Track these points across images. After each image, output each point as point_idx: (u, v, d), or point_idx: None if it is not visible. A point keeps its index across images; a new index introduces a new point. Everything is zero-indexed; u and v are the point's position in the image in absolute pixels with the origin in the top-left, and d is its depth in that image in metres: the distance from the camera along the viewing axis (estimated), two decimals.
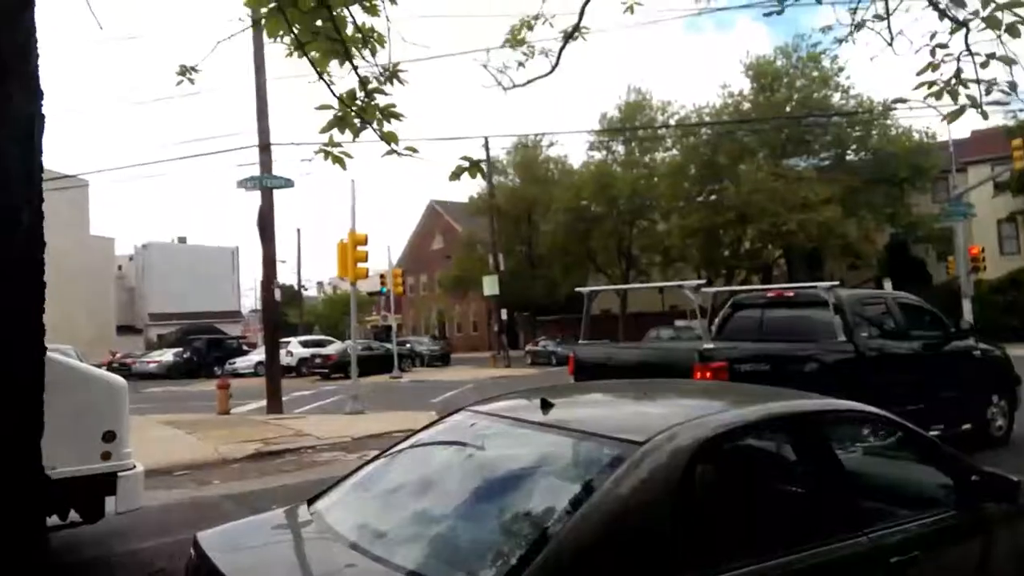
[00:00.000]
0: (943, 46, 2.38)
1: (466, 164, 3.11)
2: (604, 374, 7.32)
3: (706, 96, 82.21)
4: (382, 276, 32.53)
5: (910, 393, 7.93)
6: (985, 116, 2.94)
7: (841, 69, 33.87)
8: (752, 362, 6.81)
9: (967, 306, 27.34)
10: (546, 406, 2.86)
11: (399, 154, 2.70)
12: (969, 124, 77.21)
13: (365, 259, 16.62)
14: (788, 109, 33.93)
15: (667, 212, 37.70)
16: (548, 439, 2.70)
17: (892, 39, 2.57)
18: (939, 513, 2.98)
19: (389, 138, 2.66)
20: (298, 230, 73.35)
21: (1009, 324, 28.27)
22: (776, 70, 34.60)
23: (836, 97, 34.41)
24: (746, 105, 35.35)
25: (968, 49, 2.33)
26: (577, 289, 9.55)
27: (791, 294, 8.48)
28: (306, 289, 57.73)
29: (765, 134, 34.97)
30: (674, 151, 38.35)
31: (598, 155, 42.10)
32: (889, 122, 33.85)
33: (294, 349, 32.95)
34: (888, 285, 28.97)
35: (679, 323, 30.46)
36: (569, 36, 2.66)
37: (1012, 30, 2.28)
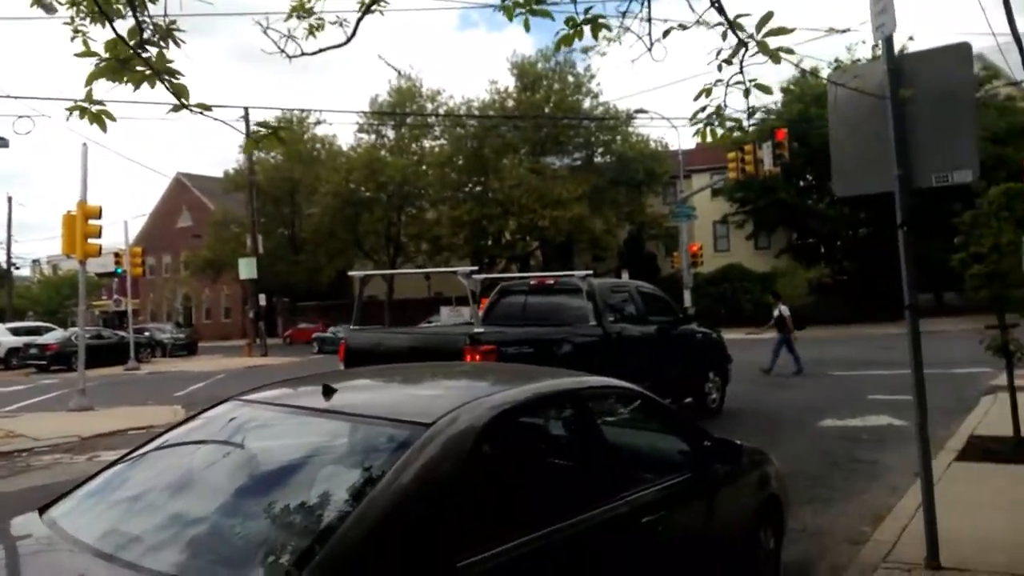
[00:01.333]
0: (728, 62, 2.65)
1: (262, 131, 2.83)
2: (376, 360, 7.24)
3: (477, 91, 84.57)
4: (117, 255, 28.87)
5: (647, 370, 8.91)
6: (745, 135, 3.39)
7: (592, 76, 36.87)
8: (517, 345, 7.19)
9: (688, 296, 31.37)
10: (328, 392, 2.75)
11: (191, 110, 2.38)
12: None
13: (98, 234, 14.62)
14: (547, 110, 36.17)
15: (436, 201, 38.25)
16: (329, 426, 2.59)
17: (651, 45, 2.80)
18: (680, 476, 3.38)
19: (180, 92, 2.34)
20: (9, 198, 62.41)
21: (720, 311, 33.05)
22: (537, 72, 36.64)
23: (587, 102, 37.43)
24: (511, 102, 37.02)
25: (741, 70, 2.62)
26: (350, 273, 9.34)
27: (552, 282, 9.09)
28: (17, 268, 49.32)
29: (526, 131, 36.96)
30: (443, 141, 38.98)
31: (368, 138, 41.39)
32: (631, 129, 37.57)
33: (2, 338, 28.16)
34: (626, 275, 32.25)
35: (445, 309, 31.09)
36: (367, 8, 2.53)
37: (775, 57, 2.61)
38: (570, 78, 37.02)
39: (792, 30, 2.57)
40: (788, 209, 33.90)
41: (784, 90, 36.93)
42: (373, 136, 41.67)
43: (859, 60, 34.73)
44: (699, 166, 37.79)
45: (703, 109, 2.75)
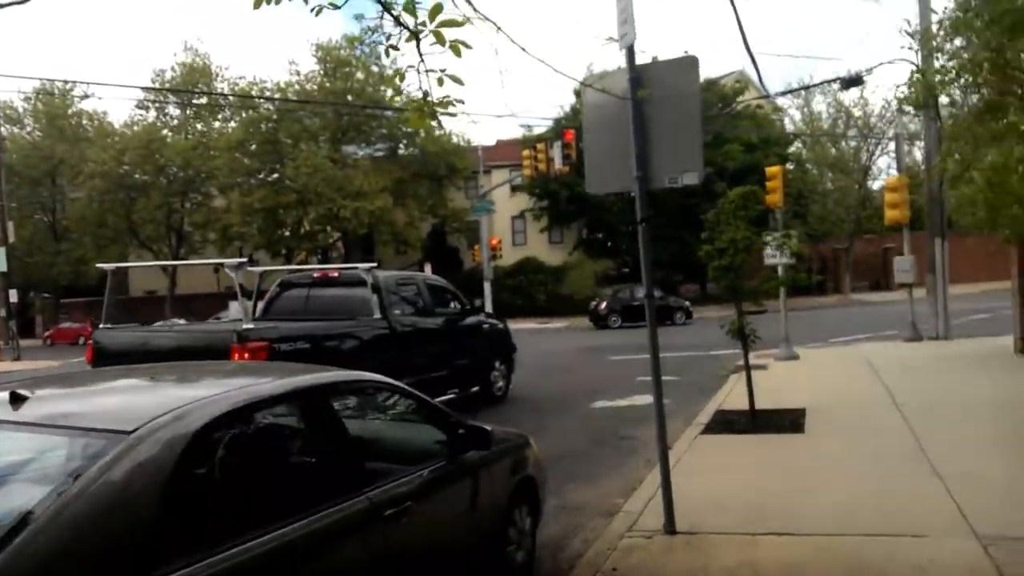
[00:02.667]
0: (395, 48, 2.69)
1: None
2: (131, 361, 6.59)
3: (278, 73, 79.72)
4: None
5: (435, 362, 9.05)
6: (441, 126, 3.47)
7: (398, 71, 36.41)
8: (292, 341, 6.91)
9: (488, 288, 32.26)
10: (16, 400, 2.43)
11: None
12: (496, 133, 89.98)
13: None
14: (350, 97, 35.21)
15: (225, 187, 35.72)
16: (11, 439, 2.29)
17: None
18: (432, 465, 3.43)
19: None
20: None
21: (516, 303, 34.42)
22: (342, 58, 35.51)
23: (390, 92, 36.94)
24: (311, 86, 35.54)
25: (422, 59, 2.68)
26: (99, 265, 8.39)
27: (335, 274, 8.86)
28: None
29: (327, 118, 35.72)
30: (233, 123, 36.50)
31: (147, 115, 37.61)
32: (433, 122, 37.64)
33: None
34: (428, 269, 32.42)
35: (234, 304, 29.18)
36: None
37: (455, 49, 2.69)
38: (375, 67, 36.34)
39: (464, 22, 2.70)
40: (582, 204, 36.02)
41: (577, 93, 39.18)
42: (154, 114, 38.01)
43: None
44: (499, 162, 38.89)
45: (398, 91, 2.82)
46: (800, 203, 42.51)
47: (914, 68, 13.49)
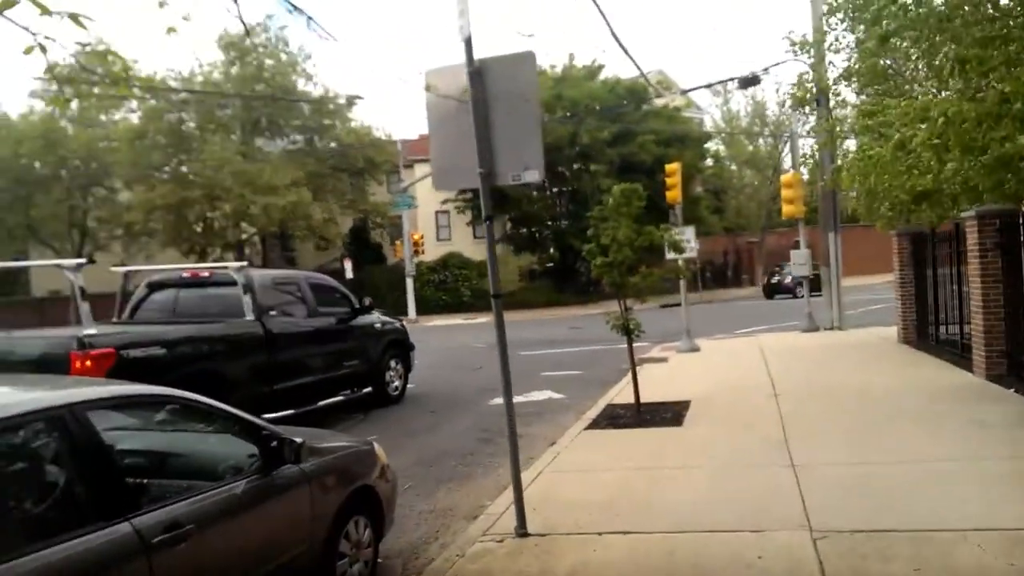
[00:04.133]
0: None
1: None
2: None
3: (179, 63, 76.55)
4: None
5: (321, 365, 8.77)
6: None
7: (309, 56, 35.48)
8: (143, 347, 6.50)
9: (410, 284, 31.91)
10: None
11: None
12: (419, 127, 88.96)
13: None
14: (259, 88, 34.03)
15: (130, 181, 34.02)
16: None
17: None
18: (231, 483, 3.22)
19: None
20: None
21: (441, 299, 34.15)
22: (246, 47, 34.27)
23: (303, 83, 35.98)
24: (218, 75, 34.20)
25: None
26: None
27: (207, 274, 8.45)
28: None
29: (237, 110, 34.46)
30: (137, 113, 34.79)
31: (43, 106, 35.42)
32: (351, 115, 36.89)
33: None
34: (349, 265, 31.81)
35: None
36: None
37: (76, 20, 2.51)
38: (283, 56, 35.22)
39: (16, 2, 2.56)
40: (505, 199, 35.96)
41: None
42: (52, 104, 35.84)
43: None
44: (421, 156, 38.40)
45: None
46: (719, 198, 43.76)
47: (801, 72, 13.96)
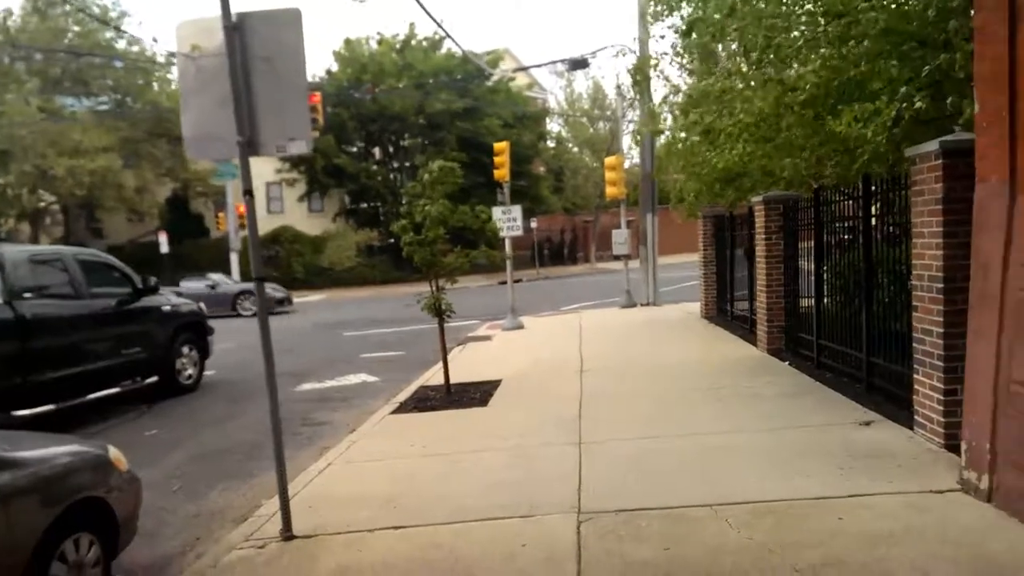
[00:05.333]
0: None
1: None
2: None
3: None
4: None
5: (91, 353, 7.81)
6: None
7: (125, 15, 32.06)
8: None
9: (235, 258, 29.96)
10: None
11: None
12: None
13: None
14: (66, 40, 30.30)
15: None
16: None
17: None
18: None
19: None
20: None
21: (271, 275, 32.37)
22: None
23: (122, 43, 32.52)
24: (14, 22, 30.00)
25: None
26: None
27: None
28: None
29: (37, 62, 30.48)
30: None
31: None
32: (172, 76, 33.82)
33: None
34: (164, 238, 29.32)
35: None
36: None
37: None
38: (95, 8, 31.55)
39: None
40: (343, 173, 34.62)
41: (336, 55, 37.42)
42: None
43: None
44: None
45: None
46: (559, 179, 44.88)
47: (630, 62, 14.30)
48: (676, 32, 11.37)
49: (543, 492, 4.66)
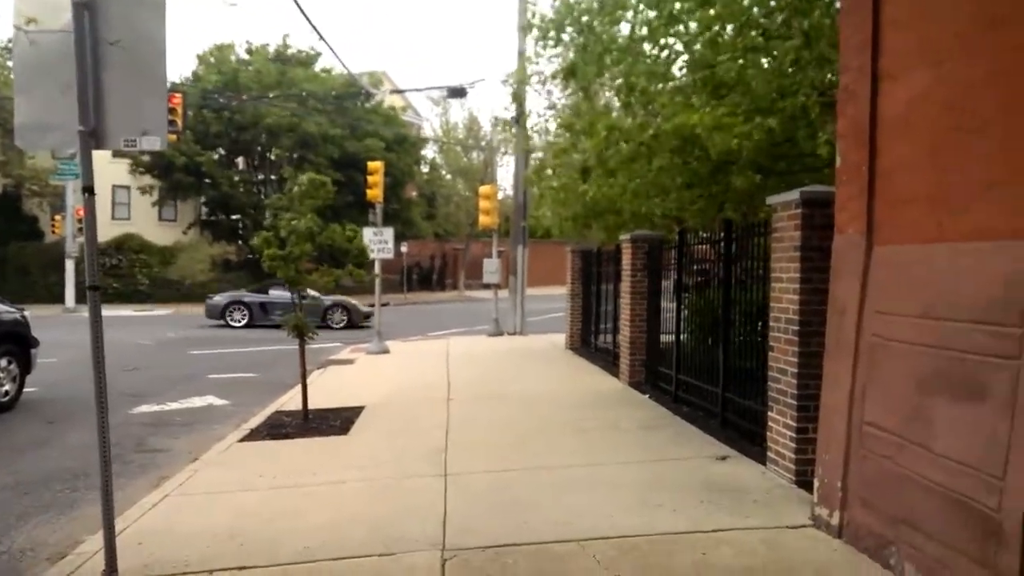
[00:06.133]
0: None
1: None
2: None
3: None
4: None
5: None
6: None
7: None
8: None
9: (70, 266, 27.29)
10: None
11: None
12: None
13: None
14: None
15: None
16: None
17: None
18: None
19: None
20: None
21: (112, 286, 29.69)
22: None
23: None
24: None
25: None
26: None
27: None
28: None
29: None
30: None
31: None
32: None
33: None
34: None
35: None
36: None
37: None
38: None
39: None
40: (203, 175, 32.53)
41: (202, 58, 35.46)
42: None
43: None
44: None
45: None
46: (432, 204, 44.71)
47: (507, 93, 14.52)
48: (555, 75, 11.71)
49: (405, 527, 4.41)
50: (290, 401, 8.93)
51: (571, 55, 9.82)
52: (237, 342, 16.26)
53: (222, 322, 21.11)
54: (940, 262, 3.28)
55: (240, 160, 35.89)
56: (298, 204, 7.94)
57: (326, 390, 9.70)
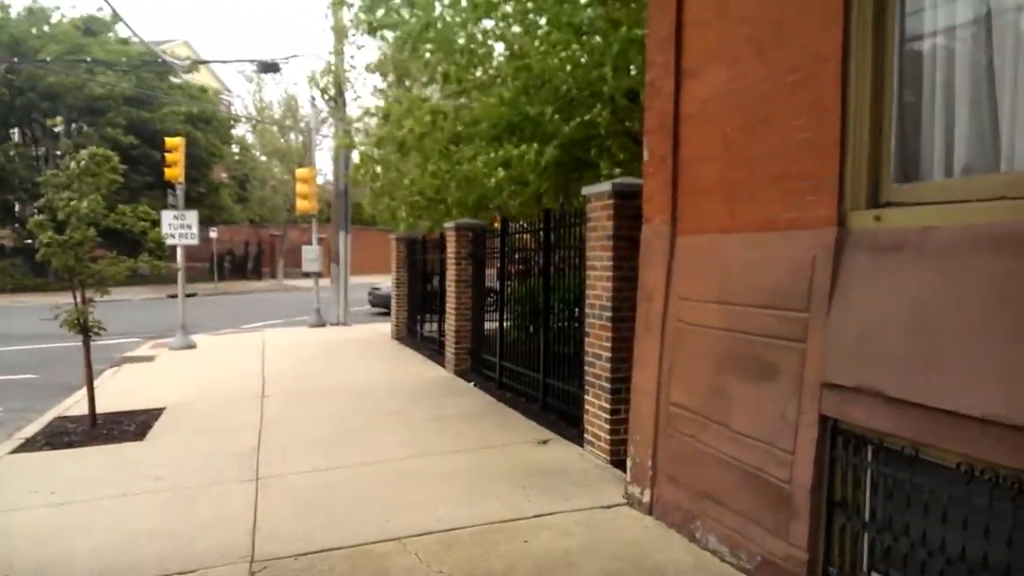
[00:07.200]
0: None
1: None
2: None
3: None
4: None
5: None
6: None
7: None
8: None
9: None
10: None
11: None
12: None
13: None
14: None
15: None
16: None
17: None
18: None
19: None
20: None
21: None
22: None
23: None
24: None
25: None
26: None
27: None
28: None
29: None
30: None
31: None
32: None
33: None
34: None
35: None
36: None
37: None
38: None
39: None
40: None
41: None
42: None
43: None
44: None
45: None
46: (244, 188, 41.93)
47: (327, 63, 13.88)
48: (370, 67, 11.34)
49: (209, 540, 4.03)
50: (75, 405, 7.96)
51: (388, 42, 9.57)
52: (12, 339, 14.27)
53: None
54: (734, 251, 3.52)
55: (15, 131, 31.48)
56: (78, 182, 7.02)
57: (121, 391, 8.77)
